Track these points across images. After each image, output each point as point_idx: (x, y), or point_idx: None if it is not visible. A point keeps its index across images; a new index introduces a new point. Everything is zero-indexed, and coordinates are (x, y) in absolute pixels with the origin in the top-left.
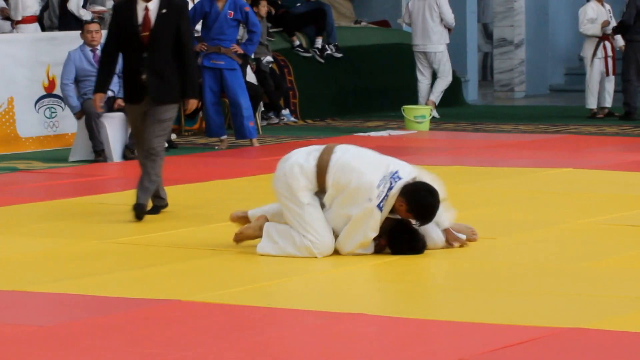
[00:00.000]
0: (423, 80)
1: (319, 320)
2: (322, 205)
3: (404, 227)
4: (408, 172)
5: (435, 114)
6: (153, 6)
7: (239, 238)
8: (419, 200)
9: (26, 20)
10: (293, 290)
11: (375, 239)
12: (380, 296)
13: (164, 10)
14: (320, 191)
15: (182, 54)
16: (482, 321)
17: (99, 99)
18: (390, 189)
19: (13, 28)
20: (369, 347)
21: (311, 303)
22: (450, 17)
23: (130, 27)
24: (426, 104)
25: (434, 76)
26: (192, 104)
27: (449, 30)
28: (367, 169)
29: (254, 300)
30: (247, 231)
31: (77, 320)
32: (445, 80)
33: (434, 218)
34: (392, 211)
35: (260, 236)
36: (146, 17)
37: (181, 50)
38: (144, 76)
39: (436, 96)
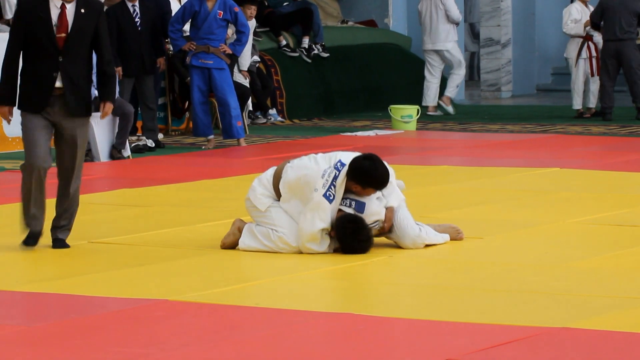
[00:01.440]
0: (432, 80)
1: (306, 320)
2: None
3: (351, 218)
4: (351, 156)
5: (451, 110)
6: (70, 5)
7: (223, 247)
8: (361, 170)
9: None
10: (279, 290)
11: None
12: (368, 296)
13: (82, 10)
14: (279, 198)
15: (101, 58)
16: (470, 321)
17: (10, 113)
18: (335, 178)
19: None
20: (357, 347)
21: (298, 303)
22: (455, 13)
23: (44, 27)
24: (441, 100)
25: (443, 80)
26: (109, 108)
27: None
28: (313, 164)
29: (241, 300)
30: (228, 239)
31: (64, 320)
32: (459, 74)
33: (387, 180)
34: (356, 196)
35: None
36: (62, 16)
37: (100, 55)
38: (58, 83)
39: (451, 91)
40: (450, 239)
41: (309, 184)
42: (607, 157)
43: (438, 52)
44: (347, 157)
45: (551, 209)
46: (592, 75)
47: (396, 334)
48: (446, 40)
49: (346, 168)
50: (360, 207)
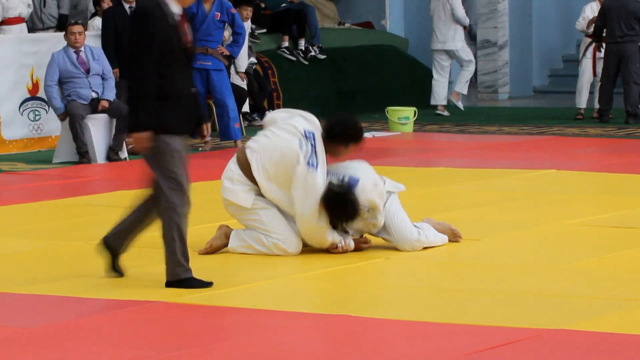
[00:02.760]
0: (440, 79)
1: (304, 322)
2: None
3: (338, 185)
4: (312, 123)
5: (460, 105)
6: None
7: (207, 251)
8: (337, 129)
9: (10, 21)
10: (277, 292)
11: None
12: (365, 297)
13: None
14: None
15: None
16: (468, 322)
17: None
18: (313, 146)
19: None
20: (355, 349)
21: (296, 304)
22: (461, 14)
23: (176, 37)
24: (450, 95)
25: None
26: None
27: (464, 28)
28: (283, 142)
29: (238, 301)
30: (215, 242)
31: (62, 322)
32: (468, 70)
33: (362, 130)
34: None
35: (227, 244)
36: (183, 25)
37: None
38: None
39: (461, 87)
40: (448, 241)
41: (292, 160)
42: (604, 159)
43: (448, 52)
44: (303, 122)
45: (548, 210)
46: (595, 75)
47: (394, 336)
48: (453, 39)
49: (319, 133)
50: (354, 182)
